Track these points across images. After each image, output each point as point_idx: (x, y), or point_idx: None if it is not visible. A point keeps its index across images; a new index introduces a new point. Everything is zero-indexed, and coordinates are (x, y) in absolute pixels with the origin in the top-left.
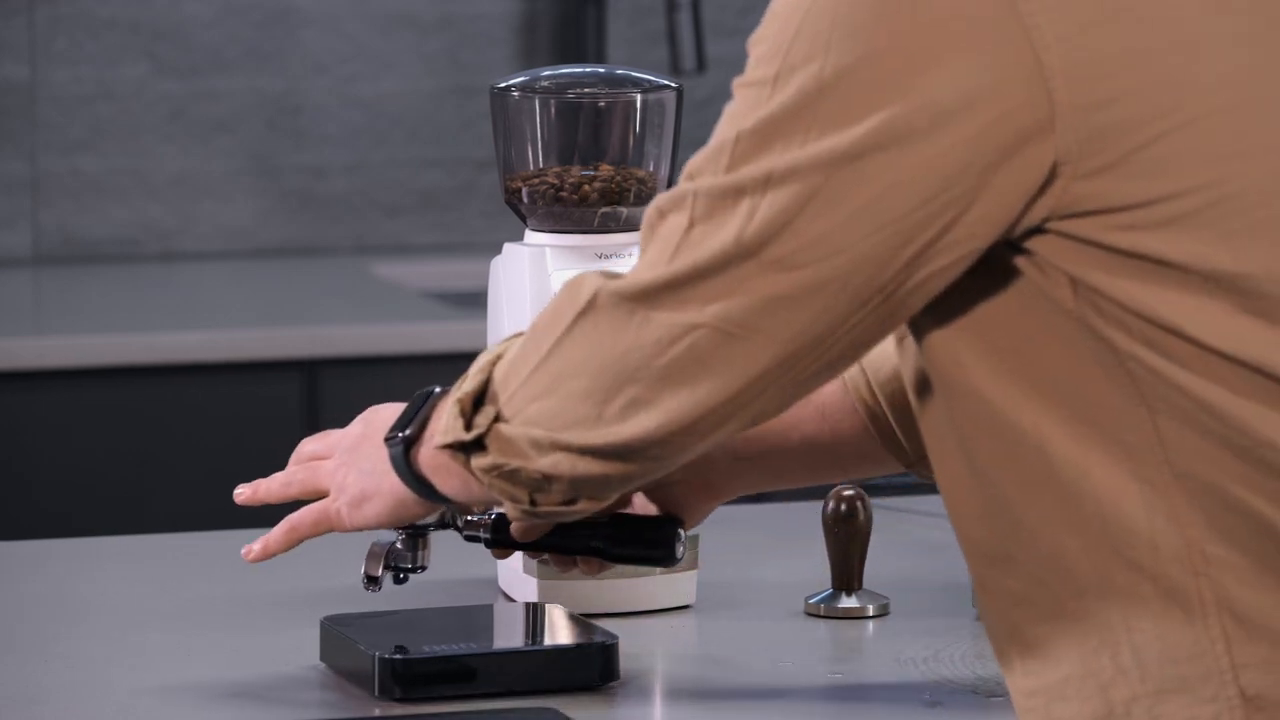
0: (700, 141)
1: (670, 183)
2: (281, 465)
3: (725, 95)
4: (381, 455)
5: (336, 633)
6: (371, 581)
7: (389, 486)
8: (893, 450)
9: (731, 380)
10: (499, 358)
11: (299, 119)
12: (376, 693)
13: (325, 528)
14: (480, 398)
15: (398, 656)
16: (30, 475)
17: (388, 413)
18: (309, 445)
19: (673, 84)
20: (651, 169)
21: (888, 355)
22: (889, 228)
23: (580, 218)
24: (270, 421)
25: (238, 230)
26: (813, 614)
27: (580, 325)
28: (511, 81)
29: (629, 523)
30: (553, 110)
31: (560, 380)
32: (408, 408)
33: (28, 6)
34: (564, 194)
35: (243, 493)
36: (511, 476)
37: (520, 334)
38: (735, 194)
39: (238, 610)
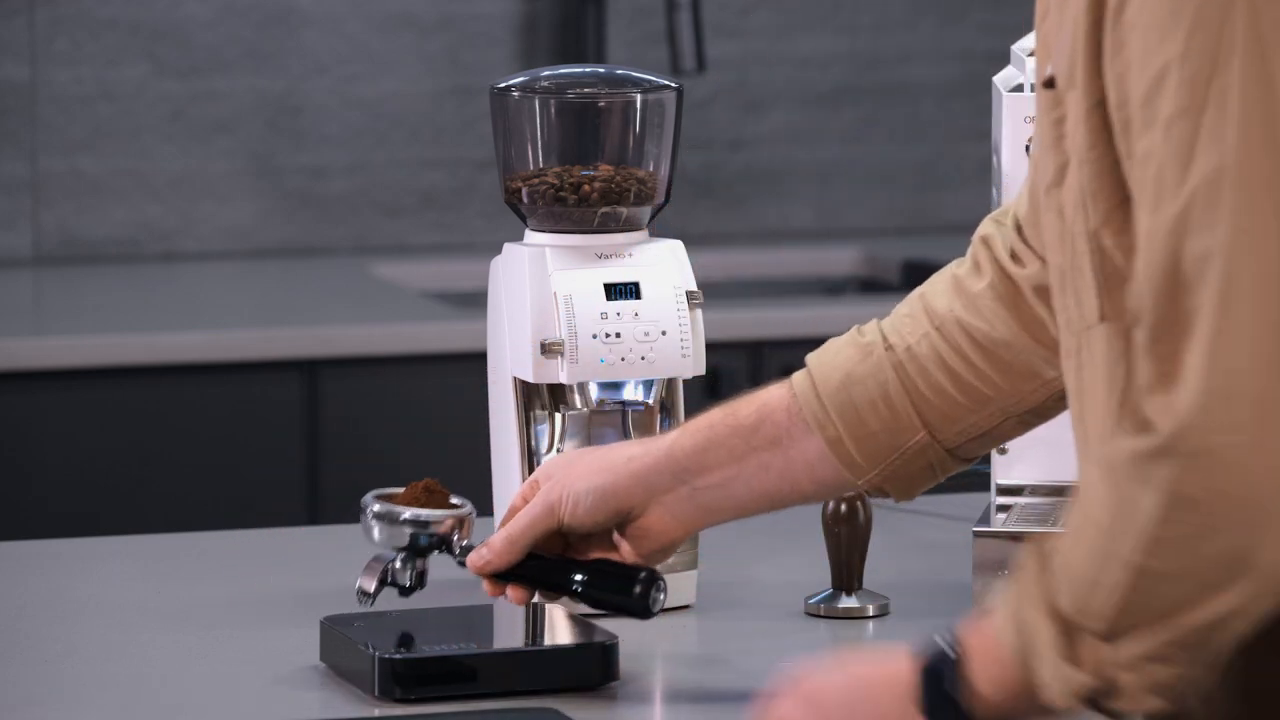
0: (700, 141)
1: (670, 183)
2: (281, 465)
3: (725, 95)
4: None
5: (336, 633)
6: (364, 595)
7: None
8: (847, 466)
9: None
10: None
11: (299, 119)
12: (376, 693)
13: None
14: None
15: (398, 656)
16: (30, 475)
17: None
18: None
19: (673, 84)
20: (651, 169)
21: (838, 365)
22: None
23: (580, 218)
24: (270, 421)
25: (238, 230)
26: (813, 614)
27: None
28: (511, 81)
29: (612, 570)
30: (553, 110)
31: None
32: (925, 693)
33: (28, 6)
34: (564, 194)
35: None
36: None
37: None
38: None
39: (238, 610)
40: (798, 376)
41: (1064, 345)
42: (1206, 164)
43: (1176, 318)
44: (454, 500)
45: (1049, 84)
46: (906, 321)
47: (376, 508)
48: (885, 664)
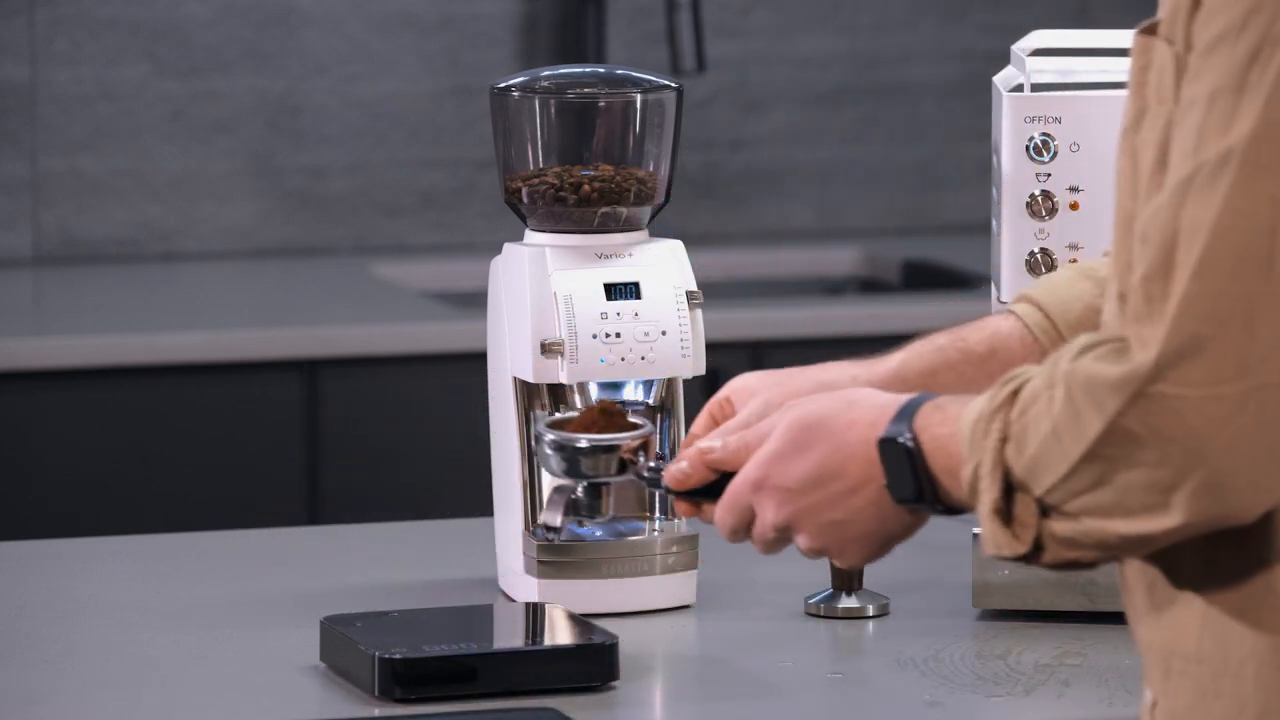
0: (700, 141)
1: (670, 183)
2: (281, 465)
3: (725, 95)
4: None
5: (336, 633)
6: (550, 530)
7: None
8: None
9: None
10: (1003, 440)
11: (299, 119)
12: (376, 693)
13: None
14: (1008, 490)
15: (398, 656)
16: (30, 475)
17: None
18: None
19: (673, 84)
20: (651, 169)
21: (1075, 296)
22: None
23: (580, 218)
24: (270, 421)
25: (238, 230)
26: (813, 614)
27: None
28: (511, 81)
29: None
30: (553, 110)
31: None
32: (890, 467)
33: (28, 6)
34: (564, 194)
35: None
36: (1078, 564)
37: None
38: None
39: (238, 610)
40: (1024, 310)
41: (1114, 285)
42: (1222, 142)
43: (1165, 266)
44: (633, 420)
45: (1149, 30)
46: None
47: (551, 436)
48: (847, 445)
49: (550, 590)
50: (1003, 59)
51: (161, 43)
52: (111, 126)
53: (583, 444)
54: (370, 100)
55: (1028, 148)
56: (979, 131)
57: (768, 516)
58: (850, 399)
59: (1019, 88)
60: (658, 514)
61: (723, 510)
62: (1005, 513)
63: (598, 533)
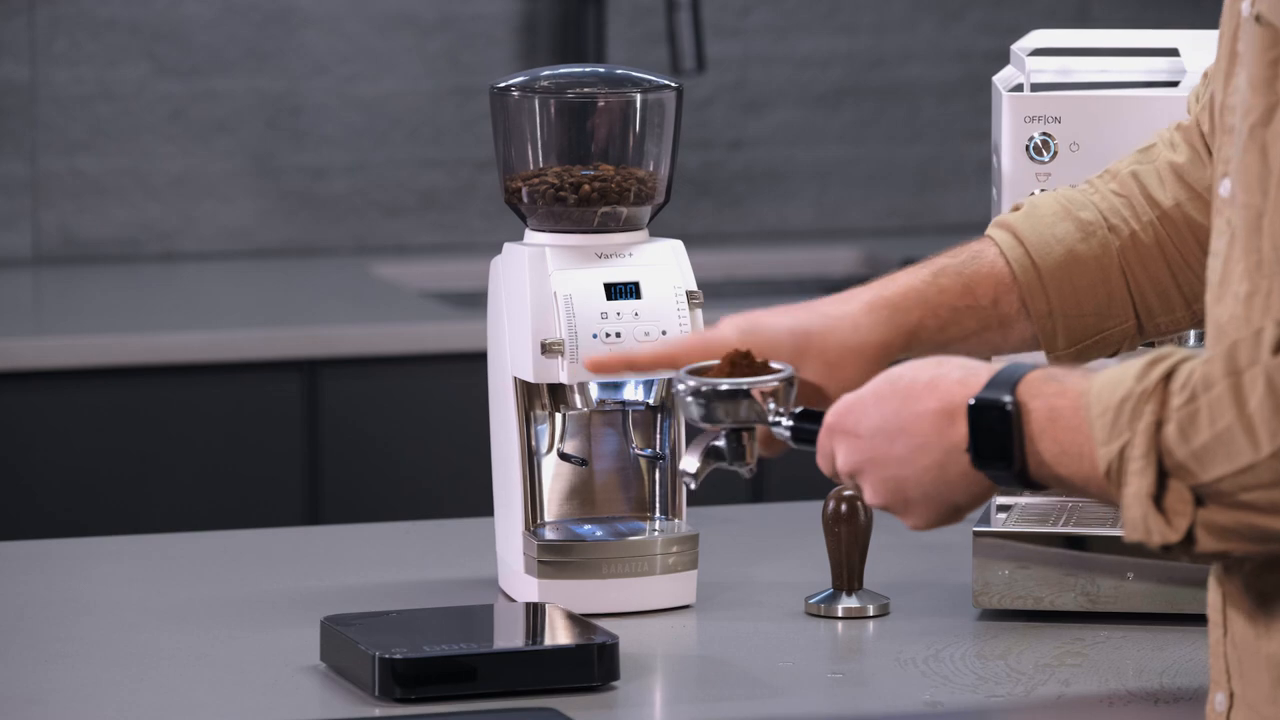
0: (700, 141)
1: (670, 183)
2: (282, 465)
3: (725, 95)
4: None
5: (336, 633)
6: (688, 476)
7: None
8: (1046, 342)
9: None
10: (1159, 424)
11: (299, 119)
12: (376, 693)
13: None
14: (1161, 472)
15: (398, 656)
16: (30, 475)
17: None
18: None
19: (673, 84)
20: (651, 169)
21: (1057, 239)
22: None
23: (580, 218)
24: (270, 421)
25: (238, 230)
26: (813, 614)
27: None
28: (511, 81)
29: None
30: (553, 110)
31: None
32: (981, 430)
33: (28, 6)
34: (564, 194)
35: None
36: (1226, 555)
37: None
38: None
39: (238, 610)
40: (1006, 242)
41: (1239, 286)
42: None
43: None
44: (774, 365)
45: (1259, 19)
46: (1122, 203)
47: (690, 382)
48: (922, 403)
49: (550, 590)
50: (1003, 59)
51: (161, 43)
52: (111, 126)
53: (722, 388)
54: (370, 100)
55: (1028, 148)
56: (979, 131)
57: (838, 461)
58: (940, 359)
59: (1019, 88)
60: (658, 514)
61: (817, 453)
62: (1156, 498)
63: (598, 532)
